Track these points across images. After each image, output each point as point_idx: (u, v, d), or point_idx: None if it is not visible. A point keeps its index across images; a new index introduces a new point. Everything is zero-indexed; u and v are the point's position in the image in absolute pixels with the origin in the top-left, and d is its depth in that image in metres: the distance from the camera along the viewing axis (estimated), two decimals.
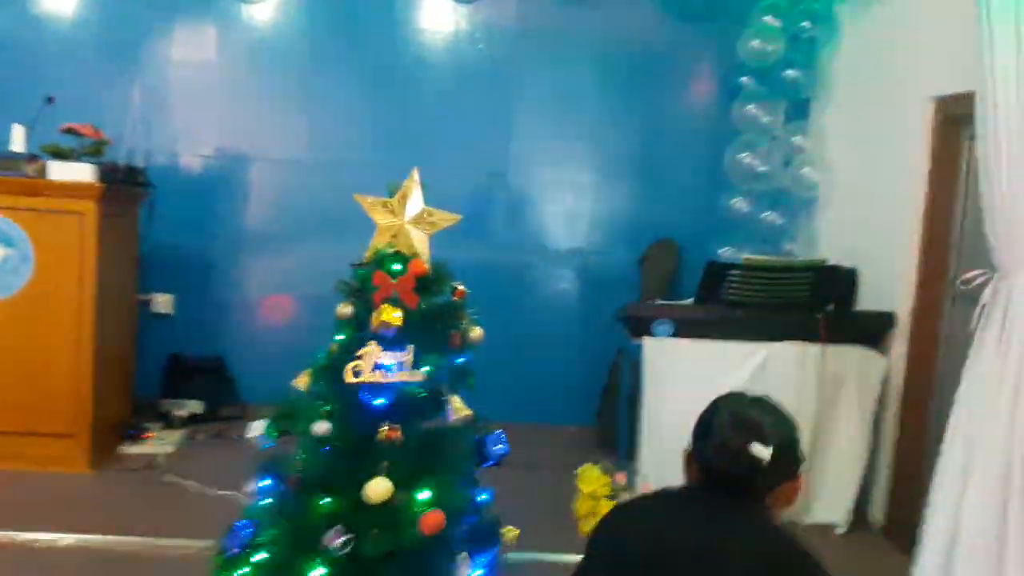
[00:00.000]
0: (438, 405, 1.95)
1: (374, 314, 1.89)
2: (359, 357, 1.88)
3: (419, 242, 2.01)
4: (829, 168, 4.58)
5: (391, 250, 2.00)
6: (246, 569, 1.93)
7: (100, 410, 4.11)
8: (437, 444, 1.92)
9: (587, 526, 2.66)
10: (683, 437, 3.41)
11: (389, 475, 1.82)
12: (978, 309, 2.33)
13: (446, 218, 2.05)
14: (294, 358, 5.06)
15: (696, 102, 5.25)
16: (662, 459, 3.51)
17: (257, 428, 2.00)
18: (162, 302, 5.12)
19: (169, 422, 4.67)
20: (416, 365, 1.91)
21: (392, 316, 1.87)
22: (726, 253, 4.78)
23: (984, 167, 2.24)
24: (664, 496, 1.70)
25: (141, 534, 3.11)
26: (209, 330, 5.23)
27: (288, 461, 1.98)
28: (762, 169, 4.80)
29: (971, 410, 2.27)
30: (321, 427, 1.87)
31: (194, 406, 4.85)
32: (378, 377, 1.88)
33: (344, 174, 5.14)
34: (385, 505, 1.81)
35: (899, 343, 3.68)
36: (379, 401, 1.89)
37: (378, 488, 1.79)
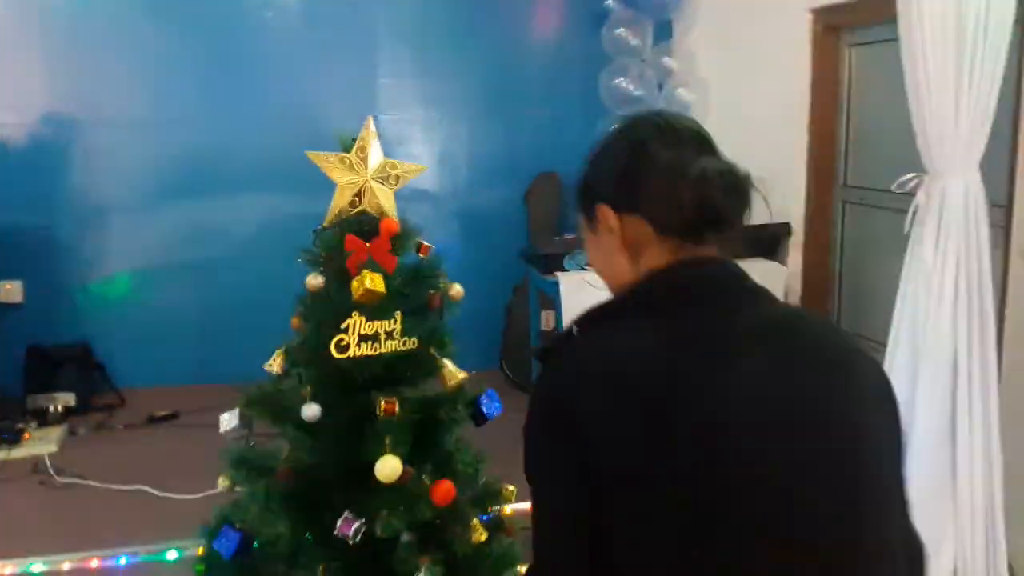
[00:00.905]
0: (428, 372, 1.83)
1: (354, 282, 1.74)
2: (343, 330, 1.74)
3: (385, 199, 1.86)
4: (703, 87, 4.65)
5: (355, 210, 1.84)
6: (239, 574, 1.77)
7: None
8: (435, 412, 1.81)
9: None
10: None
11: (394, 451, 1.70)
12: (911, 211, 2.42)
13: (411, 169, 1.90)
14: (166, 335, 4.77)
15: (565, 29, 5.18)
16: None
17: (228, 419, 1.82)
18: (10, 290, 4.63)
19: (44, 419, 4.26)
20: (404, 333, 1.78)
21: (376, 283, 1.73)
22: None
23: (911, 73, 2.30)
24: (650, 326, 1.02)
25: (71, 548, 2.83)
26: (67, 316, 4.79)
27: (270, 452, 1.82)
28: (637, 93, 4.82)
29: (914, 310, 2.37)
30: (311, 410, 1.72)
31: (65, 399, 4.45)
32: (367, 349, 1.74)
33: (194, 131, 4.77)
34: (394, 484, 1.70)
35: (794, 252, 3.83)
36: (368, 375, 1.76)
37: (389, 466, 1.67)
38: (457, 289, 1.93)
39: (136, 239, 4.86)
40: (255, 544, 1.73)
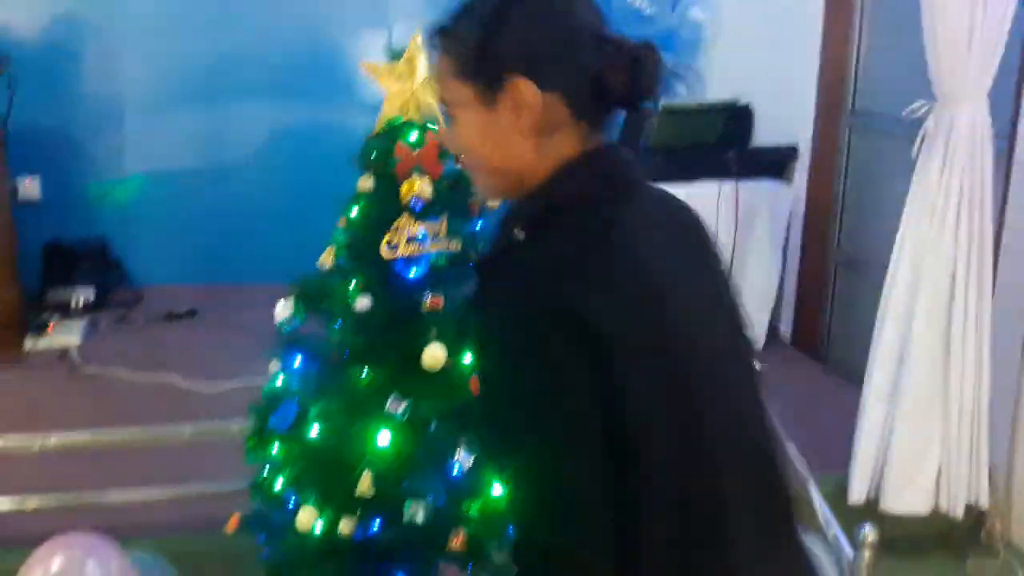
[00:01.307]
0: (469, 273, 1.98)
1: (404, 186, 1.87)
2: (392, 230, 1.87)
3: (431, 108, 1.97)
4: (716, 7, 4.70)
5: (404, 120, 1.96)
6: (289, 446, 1.95)
7: None
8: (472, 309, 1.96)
9: None
10: None
11: (438, 341, 1.86)
12: (919, 138, 2.55)
13: None
14: (185, 236, 4.88)
15: None
16: None
17: (283, 308, 1.97)
18: (29, 186, 4.72)
19: (66, 312, 4.40)
20: (449, 234, 1.92)
21: (423, 188, 1.86)
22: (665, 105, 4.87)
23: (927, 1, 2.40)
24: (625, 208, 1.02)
25: (97, 426, 3.00)
26: (84, 213, 4.89)
27: (319, 339, 1.98)
28: (648, 12, 4.86)
29: (917, 232, 2.52)
30: (363, 302, 1.87)
31: (85, 294, 4.59)
32: (414, 249, 1.89)
33: (210, 35, 4.79)
34: (438, 371, 1.86)
35: (801, 174, 3.96)
36: (416, 272, 1.90)
37: (434, 355, 1.83)
38: None
39: (154, 140, 4.93)
40: (305, 418, 1.90)
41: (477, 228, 2.02)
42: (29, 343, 4.05)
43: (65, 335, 4.15)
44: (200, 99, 4.87)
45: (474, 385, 1.90)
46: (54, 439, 2.43)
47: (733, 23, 4.59)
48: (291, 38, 4.72)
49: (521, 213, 1.03)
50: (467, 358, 1.91)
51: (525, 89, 0.98)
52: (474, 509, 1.90)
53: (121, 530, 2.23)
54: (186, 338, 4.27)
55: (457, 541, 1.85)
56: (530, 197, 1.03)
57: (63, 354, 3.95)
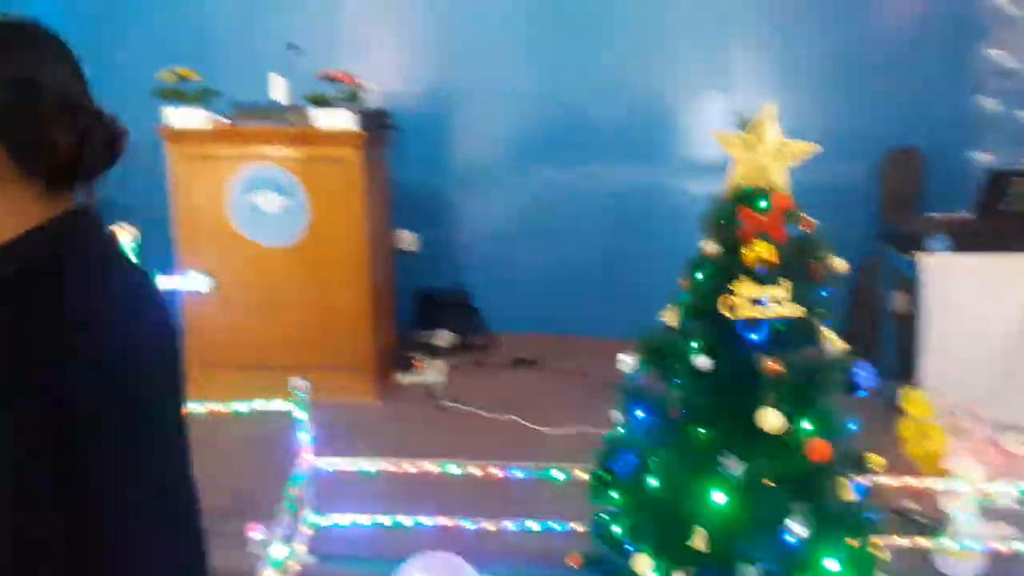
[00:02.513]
0: (811, 339, 1.99)
1: (745, 250, 1.94)
2: (733, 293, 1.94)
3: (778, 175, 2.03)
4: None
5: (751, 187, 2.03)
6: (629, 493, 2.06)
7: (377, 344, 4.42)
8: (816, 376, 1.96)
9: (915, 449, 2.67)
10: (971, 352, 3.33)
11: (776, 406, 1.88)
12: None
13: (803, 149, 2.05)
14: (534, 288, 5.27)
15: None
16: (949, 376, 3.44)
17: (628, 362, 2.11)
18: (408, 239, 5.38)
19: (432, 353, 4.95)
20: (791, 300, 1.95)
21: (768, 252, 1.91)
22: (983, 159, 4.54)
23: None
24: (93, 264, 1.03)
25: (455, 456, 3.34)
26: (451, 265, 5.47)
27: (661, 394, 2.08)
28: (1011, 66, 4.49)
29: None
30: (703, 361, 1.95)
31: (448, 338, 5.12)
32: (756, 312, 1.94)
33: (576, 104, 5.19)
34: (775, 435, 1.88)
35: None
36: (756, 335, 1.95)
37: (772, 419, 1.86)
38: (840, 263, 2.06)
39: (511, 199, 5.43)
40: (645, 469, 2.01)
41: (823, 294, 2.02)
42: (400, 377, 4.60)
43: (431, 373, 4.66)
44: (553, 160, 5.29)
45: (813, 452, 1.90)
46: (428, 465, 2.76)
47: None
48: (636, 103, 4.98)
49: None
50: (806, 424, 1.92)
51: None
52: None
53: (472, 554, 2.49)
54: (529, 383, 4.60)
55: None
56: None
57: (428, 389, 4.43)
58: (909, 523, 2.87)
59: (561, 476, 2.60)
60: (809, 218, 2.10)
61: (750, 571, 1.86)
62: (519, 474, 2.68)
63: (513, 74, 5.31)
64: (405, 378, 4.60)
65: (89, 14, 5.03)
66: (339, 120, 4.18)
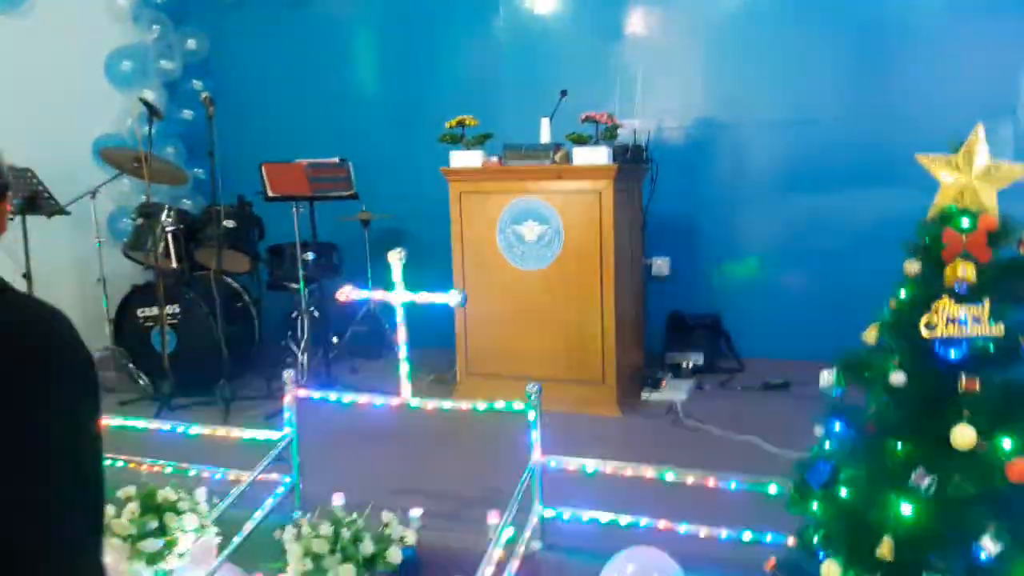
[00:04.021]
0: (1014, 357, 1.97)
1: (947, 269, 1.97)
2: (932, 311, 1.98)
3: (987, 197, 2.04)
4: None
5: (958, 207, 2.05)
6: (825, 504, 2.14)
7: (622, 360, 4.67)
8: (1017, 395, 1.95)
9: None
10: None
11: (971, 423, 1.90)
12: None
13: (1014, 171, 2.04)
14: (785, 313, 5.27)
15: None
16: None
17: (827, 377, 2.19)
18: (660, 265, 5.59)
19: (678, 373, 5.11)
20: (992, 319, 1.95)
21: (969, 272, 1.94)
22: None
23: None
24: None
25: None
26: (703, 290, 5.60)
27: (858, 408, 2.15)
28: None
29: None
30: (898, 377, 2.00)
31: (695, 359, 5.25)
32: (953, 331, 1.96)
33: (824, 129, 5.17)
34: (969, 451, 1.90)
35: None
36: (954, 353, 1.97)
37: (964, 435, 1.89)
38: None
39: (766, 226, 5.48)
40: (839, 479, 2.09)
41: None
42: (645, 394, 4.81)
43: (674, 392, 4.83)
44: (811, 188, 5.27)
45: (1013, 471, 1.89)
46: (645, 470, 2.97)
47: None
48: (903, 130, 4.85)
49: None
50: (1006, 443, 1.91)
51: None
52: None
53: (679, 555, 2.65)
54: (776, 407, 4.61)
55: None
56: None
57: (671, 407, 4.60)
58: None
59: (774, 489, 2.68)
60: None
61: None
62: (732, 485, 2.79)
63: (769, 104, 5.39)
64: (649, 395, 4.80)
65: (401, 70, 5.87)
66: (593, 156, 4.52)
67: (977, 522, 1.90)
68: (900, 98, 5.02)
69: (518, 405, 3.11)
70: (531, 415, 3.09)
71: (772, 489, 2.75)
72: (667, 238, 5.52)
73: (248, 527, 3.10)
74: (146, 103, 4.87)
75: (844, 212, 5.20)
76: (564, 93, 4.75)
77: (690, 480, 2.93)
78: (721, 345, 5.39)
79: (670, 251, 5.59)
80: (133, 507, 2.54)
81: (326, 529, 2.32)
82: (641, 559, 2.55)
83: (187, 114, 6.26)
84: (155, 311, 5.09)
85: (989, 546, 1.88)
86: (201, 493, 2.72)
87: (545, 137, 4.75)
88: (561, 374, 4.66)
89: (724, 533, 2.87)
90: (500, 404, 3.13)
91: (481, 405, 3.18)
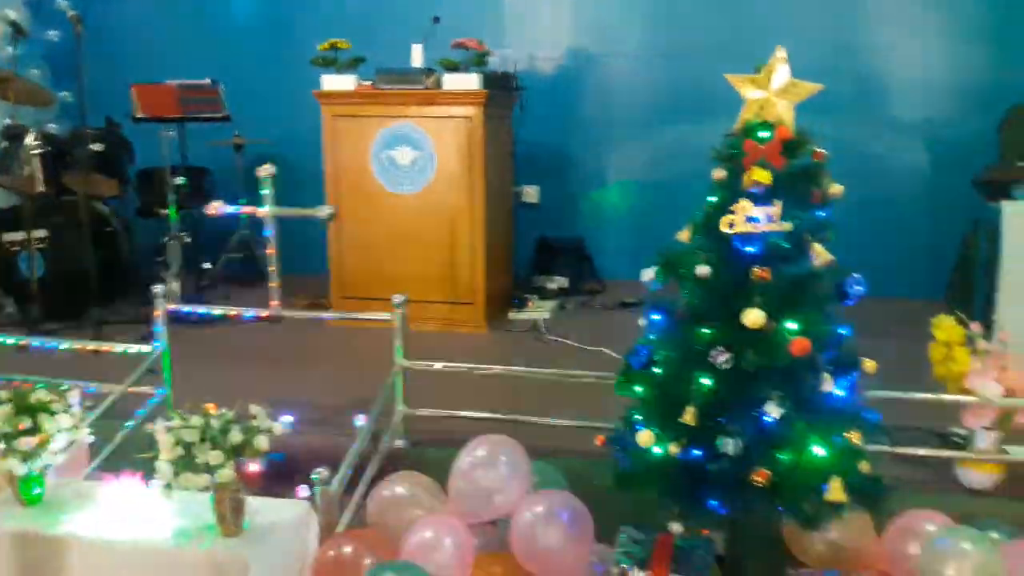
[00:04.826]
0: (801, 252, 2.28)
1: (745, 175, 2.25)
2: (733, 212, 2.26)
3: (784, 111, 2.32)
4: None
5: (758, 120, 2.33)
6: (644, 383, 2.44)
7: (490, 283, 4.91)
8: (801, 283, 2.26)
9: (941, 370, 2.88)
10: None
11: (761, 307, 2.20)
12: None
13: (808, 88, 2.32)
14: (642, 238, 5.61)
15: None
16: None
17: (648, 274, 2.46)
18: (530, 192, 5.84)
19: (544, 294, 5.40)
20: (783, 218, 2.25)
21: (762, 176, 2.22)
22: None
23: None
24: None
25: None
26: (570, 216, 5.89)
27: (673, 299, 2.43)
28: None
29: None
30: (703, 270, 2.28)
31: (560, 281, 5.56)
32: (749, 228, 2.25)
33: (688, 63, 5.47)
34: (760, 331, 2.20)
35: None
36: (750, 248, 2.26)
37: (754, 317, 2.18)
38: (837, 188, 2.33)
39: (631, 155, 5.78)
40: (655, 361, 2.38)
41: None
42: (512, 314, 5.08)
43: (539, 311, 5.11)
44: (669, 119, 5.59)
45: (794, 347, 2.20)
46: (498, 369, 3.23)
47: None
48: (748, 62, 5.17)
49: None
50: (790, 324, 2.22)
51: None
52: (784, 456, 2.20)
53: (533, 447, 2.92)
54: (629, 322, 4.91)
55: (760, 476, 2.17)
56: None
57: (534, 325, 4.89)
58: (934, 437, 3.10)
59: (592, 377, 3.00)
60: (820, 150, 2.37)
61: (728, 443, 2.19)
62: (553, 375, 3.11)
63: (637, 36, 5.64)
64: (516, 315, 5.07)
65: None
66: (464, 82, 4.68)
67: (763, 391, 2.22)
68: (758, 34, 5.33)
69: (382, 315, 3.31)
70: (395, 323, 3.29)
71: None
72: (538, 166, 5.77)
73: (121, 436, 3.22)
74: (9, 21, 4.75)
75: (701, 140, 5.51)
76: (436, 19, 4.88)
77: (534, 376, 3.20)
78: (584, 268, 5.70)
79: (540, 179, 5.85)
80: (6, 408, 2.61)
81: (196, 420, 2.47)
82: (490, 445, 2.80)
83: (52, 34, 6.06)
84: (22, 236, 5.02)
85: (773, 411, 2.19)
86: (74, 395, 2.81)
87: (417, 63, 4.87)
88: (433, 295, 4.87)
89: (565, 422, 3.16)
90: (365, 315, 3.32)
91: (348, 315, 3.36)
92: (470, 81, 4.66)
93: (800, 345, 2.20)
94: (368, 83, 4.85)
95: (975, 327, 2.86)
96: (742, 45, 5.32)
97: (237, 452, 2.48)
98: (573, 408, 3.25)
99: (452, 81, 4.70)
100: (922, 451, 3.00)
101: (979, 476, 2.87)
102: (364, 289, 4.94)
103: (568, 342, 4.58)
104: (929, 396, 2.90)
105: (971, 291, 4.48)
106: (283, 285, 5.25)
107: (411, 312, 4.54)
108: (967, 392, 2.79)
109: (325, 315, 3.52)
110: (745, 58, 5.34)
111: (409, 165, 4.81)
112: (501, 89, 4.97)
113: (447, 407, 3.37)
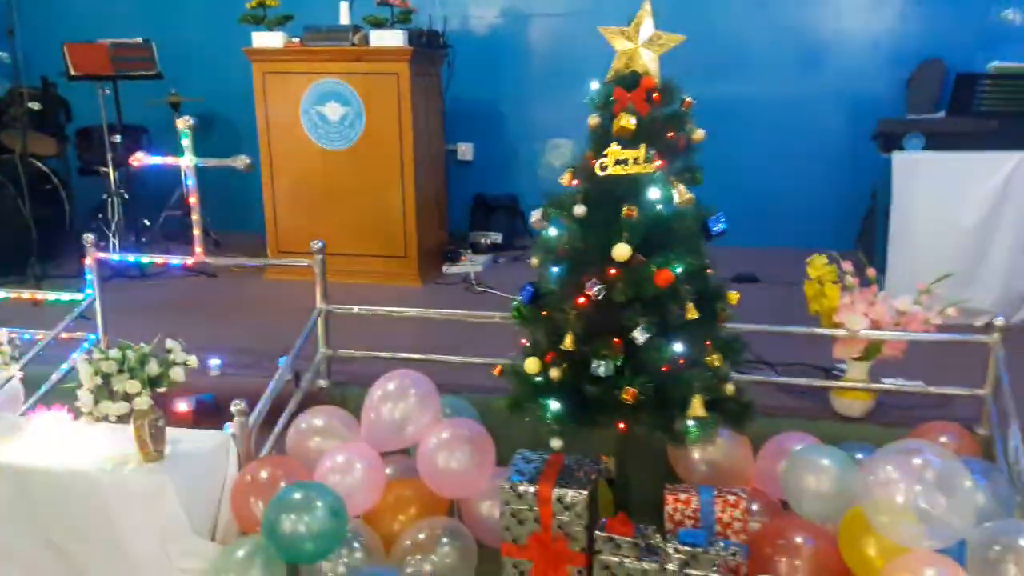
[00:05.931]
0: (667, 191, 2.49)
1: (615, 122, 2.45)
2: (605, 156, 2.47)
3: (650, 61, 2.51)
4: None
5: (628, 70, 2.52)
6: (531, 316, 2.65)
7: (424, 238, 5.09)
8: (666, 221, 2.47)
9: (815, 306, 3.12)
10: (933, 246, 3.71)
11: (629, 243, 2.41)
12: None
13: (673, 39, 2.52)
14: None
15: None
16: (911, 267, 3.79)
17: (536, 216, 2.67)
18: (464, 150, 6.01)
19: (478, 249, 5.59)
20: (647, 160, 2.46)
21: (628, 122, 2.42)
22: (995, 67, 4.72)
23: None
24: None
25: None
26: (504, 173, 6.06)
27: (556, 237, 2.64)
28: None
29: None
30: (579, 209, 2.49)
31: (494, 237, 5.75)
32: (619, 170, 2.46)
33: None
34: (628, 264, 2.42)
35: None
36: (619, 189, 2.47)
37: (621, 251, 2.40)
38: (700, 133, 2.54)
39: (559, 112, 5.89)
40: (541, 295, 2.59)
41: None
42: (446, 268, 5.28)
43: (471, 265, 5.31)
44: (600, 77, 5.73)
45: (659, 278, 2.42)
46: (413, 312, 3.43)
47: None
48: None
49: None
50: (656, 258, 2.44)
51: None
52: (649, 378, 2.43)
53: (449, 384, 3.12)
54: None
55: (628, 394, 2.40)
56: None
57: (466, 278, 5.08)
58: (820, 371, 3.35)
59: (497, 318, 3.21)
60: (689, 98, 2.58)
61: (600, 366, 2.41)
62: (466, 316, 3.34)
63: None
64: (449, 269, 5.26)
65: None
66: (390, 39, 4.82)
67: (632, 318, 2.44)
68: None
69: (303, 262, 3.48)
70: (315, 269, 3.46)
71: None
72: (475, 124, 5.93)
73: (55, 377, 3.38)
74: None
75: None
76: None
77: (448, 318, 3.41)
78: (518, 224, 5.89)
79: (475, 136, 6.01)
80: None
81: (115, 353, 2.64)
82: (399, 379, 3.00)
83: None
84: None
85: (639, 336, 2.42)
86: (3, 335, 2.96)
87: (344, 19, 4.99)
88: (367, 249, 5.05)
89: (476, 360, 3.37)
90: (285, 261, 3.48)
91: (269, 262, 3.53)
92: (395, 38, 4.79)
93: (664, 277, 2.42)
94: (297, 40, 4.96)
95: (846, 266, 3.09)
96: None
97: (154, 383, 2.67)
98: (488, 349, 3.45)
99: (378, 38, 4.82)
100: (801, 380, 3.25)
101: (850, 404, 3.12)
102: (300, 244, 5.04)
103: (497, 292, 4.78)
104: (803, 329, 3.15)
105: (874, 239, 4.74)
106: (222, 242, 5.46)
107: (346, 265, 4.76)
108: (837, 325, 3.03)
109: (247, 262, 3.66)
110: (671, 17, 5.56)
111: (338, 121, 4.95)
112: (427, 47, 5.11)
113: (370, 347, 3.56)
